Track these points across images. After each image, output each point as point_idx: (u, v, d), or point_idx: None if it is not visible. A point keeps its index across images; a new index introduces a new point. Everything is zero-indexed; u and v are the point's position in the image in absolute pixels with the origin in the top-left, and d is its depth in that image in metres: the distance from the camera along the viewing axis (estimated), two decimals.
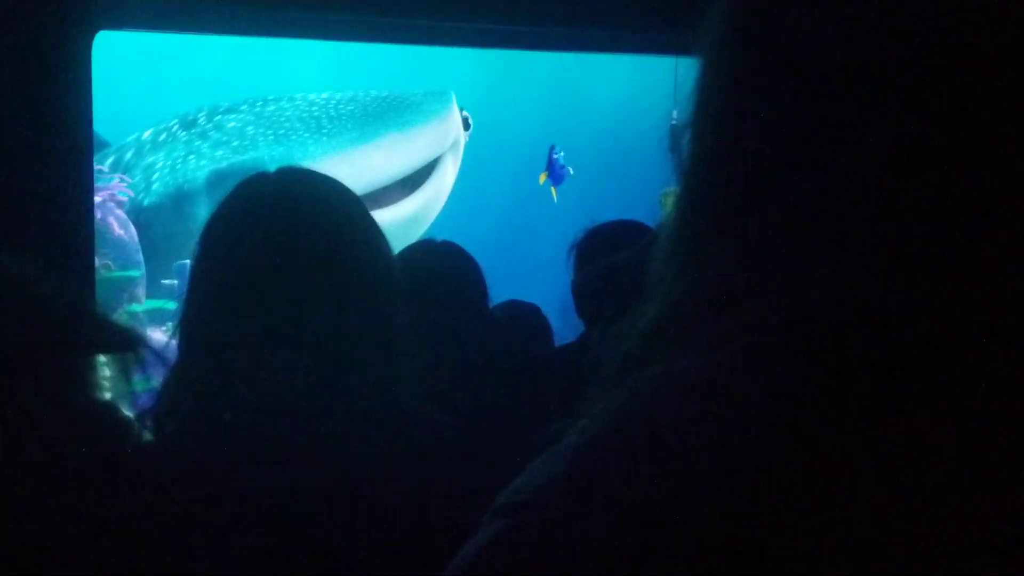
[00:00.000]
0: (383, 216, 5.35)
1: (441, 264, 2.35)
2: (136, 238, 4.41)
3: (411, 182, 5.81)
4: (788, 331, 0.62)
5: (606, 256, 2.57)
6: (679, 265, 0.72)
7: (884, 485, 0.56)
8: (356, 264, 1.50)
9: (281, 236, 1.46)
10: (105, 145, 5.87)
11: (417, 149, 5.61)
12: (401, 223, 5.61)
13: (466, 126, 6.05)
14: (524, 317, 2.79)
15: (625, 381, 0.67)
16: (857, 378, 0.58)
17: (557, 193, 6.59)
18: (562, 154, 6.51)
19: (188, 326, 1.50)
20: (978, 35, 0.60)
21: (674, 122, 3.96)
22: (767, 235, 0.67)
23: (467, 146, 6.24)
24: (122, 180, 4.76)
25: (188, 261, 4.63)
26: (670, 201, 3.40)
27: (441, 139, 5.77)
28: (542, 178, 6.45)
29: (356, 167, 5.33)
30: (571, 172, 6.43)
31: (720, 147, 0.72)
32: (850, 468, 0.56)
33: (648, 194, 6.17)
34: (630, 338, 0.72)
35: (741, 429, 0.59)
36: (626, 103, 7.74)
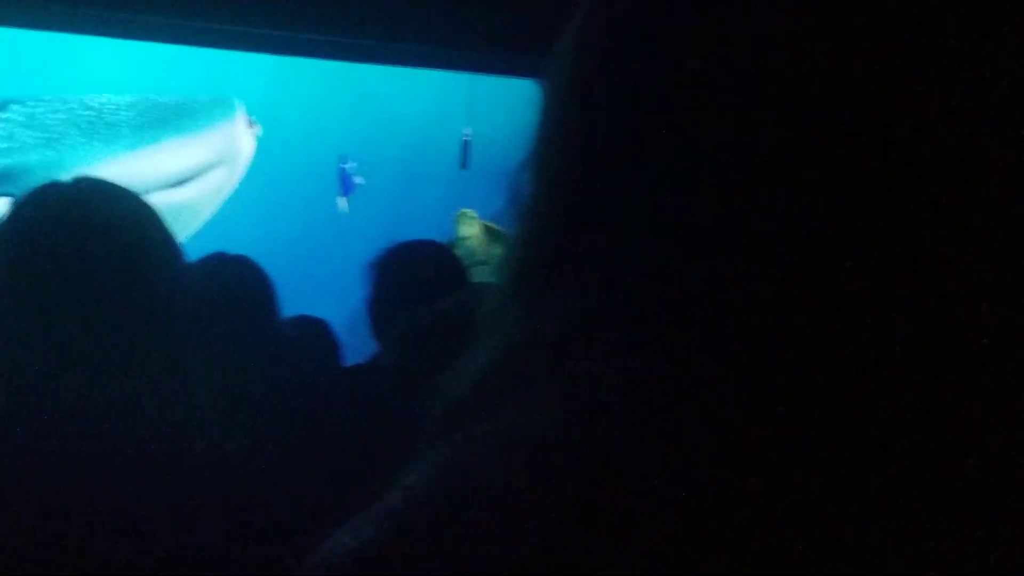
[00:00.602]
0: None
1: (233, 279, 2.29)
2: None
3: (191, 181, 5.66)
4: (625, 390, 0.58)
5: (403, 276, 2.57)
6: (516, 311, 0.68)
7: (720, 550, 0.54)
8: (148, 282, 1.44)
9: (70, 253, 1.39)
10: None
11: (196, 156, 5.48)
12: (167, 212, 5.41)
13: (252, 132, 5.92)
14: (313, 333, 2.75)
15: (450, 437, 0.62)
16: (695, 443, 0.56)
17: (351, 205, 6.54)
18: (352, 165, 6.44)
19: None
20: (858, 52, 0.57)
21: (466, 138, 4.02)
22: (611, 282, 0.63)
23: (258, 156, 6.13)
24: None
25: None
26: (464, 222, 3.47)
27: (223, 146, 5.64)
28: (337, 187, 6.38)
29: (130, 172, 5.17)
30: (360, 183, 6.39)
31: (563, 187, 0.67)
32: (689, 538, 0.54)
33: (440, 208, 6.19)
34: (458, 386, 0.67)
35: (573, 493, 0.55)
36: (420, 117, 7.77)
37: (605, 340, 0.62)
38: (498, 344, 0.67)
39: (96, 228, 1.43)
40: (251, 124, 5.76)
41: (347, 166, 6.29)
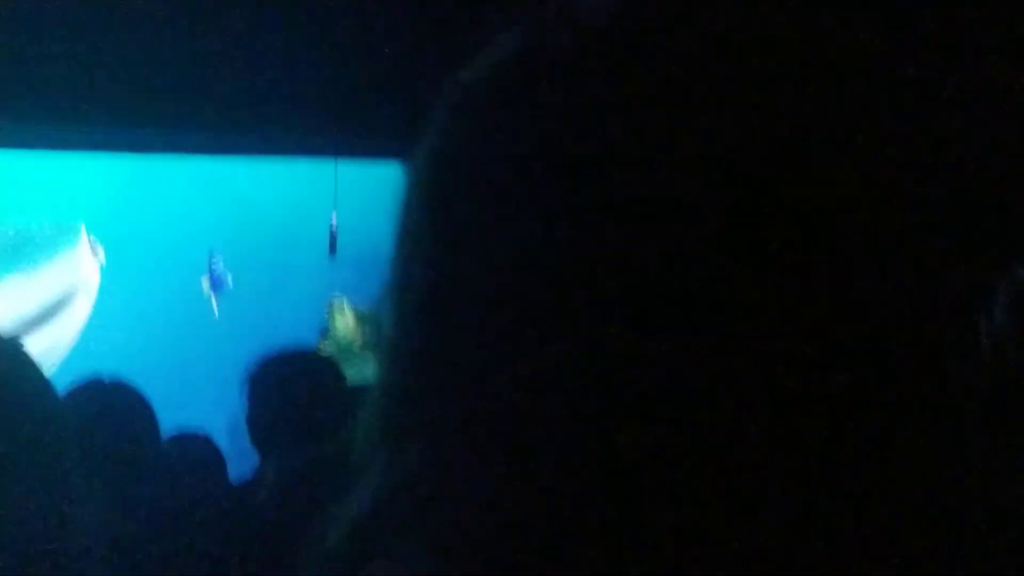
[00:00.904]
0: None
1: (109, 406, 2.30)
2: None
3: (41, 316, 5.50)
4: (494, 537, 0.60)
5: (276, 388, 2.60)
6: (384, 457, 0.67)
7: None
8: (23, 424, 1.46)
9: None
10: None
11: (42, 289, 5.36)
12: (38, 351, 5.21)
13: (97, 258, 5.79)
14: (196, 451, 2.75)
15: None
16: None
17: (222, 304, 6.44)
18: (218, 259, 6.33)
19: None
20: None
21: (333, 228, 4.00)
22: (471, 427, 0.63)
23: (123, 261, 6.05)
24: None
25: None
26: (336, 311, 3.50)
27: (70, 274, 5.53)
28: (205, 284, 6.26)
29: None
30: (229, 284, 6.29)
31: (418, 330, 0.67)
32: None
33: (313, 297, 6.16)
34: (335, 533, 0.67)
35: None
36: (284, 207, 7.73)
37: (469, 487, 0.62)
38: (368, 492, 0.67)
39: None
40: (94, 251, 5.62)
41: (216, 261, 6.18)
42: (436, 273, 0.67)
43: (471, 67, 0.68)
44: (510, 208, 0.63)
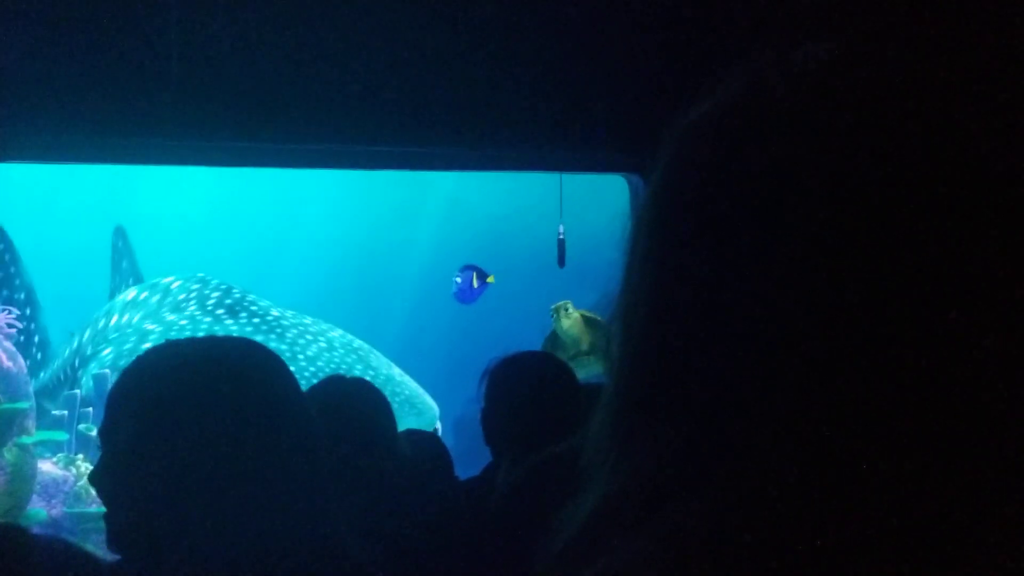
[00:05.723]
0: None
1: (351, 399, 2.39)
2: (25, 370, 4.34)
3: None
4: (718, 531, 0.63)
5: (515, 387, 2.64)
6: (614, 458, 0.72)
7: None
8: (279, 417, 1.54)
9: (208, 397, 1.51)
10: None
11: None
12: None
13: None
14: (425, 447, 2.83)
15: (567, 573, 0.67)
16: None
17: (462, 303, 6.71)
18: (459, 276, 6.55)
19: (112, 488, 1.53)
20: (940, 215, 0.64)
21: (561, 237, 4.05)
22: (699, 430, 0.67)
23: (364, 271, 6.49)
24: (9, 312, 4.68)
25: (77, 391, 4.59)
26: (563, 314, 3.50)
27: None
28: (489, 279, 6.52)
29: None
30: (475, 293, 6.54)
31: (650, 342, 0.72)
32: None
33: (540, 306, 6.28)
34: (569, 528, 0.72)
35: None
36: (510, 218, 7.90)
37: (696, 483, 0.66)
38: (601, 489, 0.71)
39: (223, 373, 1.56)
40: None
41: (462, 275, 6.44)
42: (668, 289, 0.70)
43: (697, 105, 0.73)
44: (732, 235, 0.67)
